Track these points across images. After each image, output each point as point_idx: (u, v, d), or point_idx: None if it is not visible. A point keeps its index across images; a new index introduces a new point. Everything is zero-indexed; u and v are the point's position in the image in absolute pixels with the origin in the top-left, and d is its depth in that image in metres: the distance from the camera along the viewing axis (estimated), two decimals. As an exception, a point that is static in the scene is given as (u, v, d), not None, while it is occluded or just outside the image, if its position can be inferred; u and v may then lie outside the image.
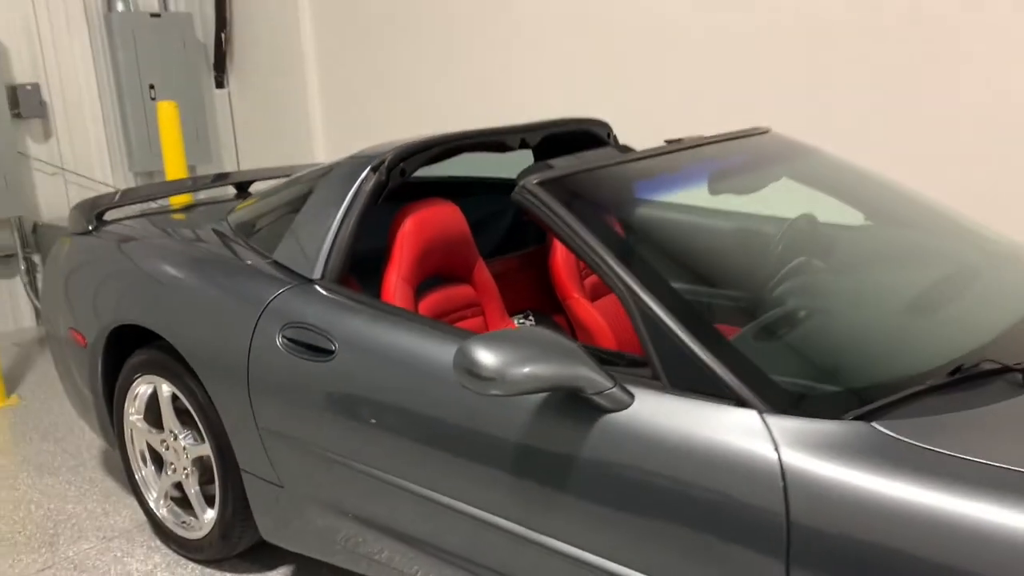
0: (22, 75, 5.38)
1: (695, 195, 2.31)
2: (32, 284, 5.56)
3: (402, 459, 2.02)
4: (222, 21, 6.13)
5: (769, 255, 2.31)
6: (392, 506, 2.09)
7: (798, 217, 2.48)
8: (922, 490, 1.37)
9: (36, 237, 5.54)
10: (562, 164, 2.11)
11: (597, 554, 1.71)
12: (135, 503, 3.15)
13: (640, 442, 1.64)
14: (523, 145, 2.84)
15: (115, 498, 3.23)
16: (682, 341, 1.67)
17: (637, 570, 1.66)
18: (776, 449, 1.51)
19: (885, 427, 1.49)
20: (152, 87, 5.81)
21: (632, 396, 1.69)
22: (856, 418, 1.52)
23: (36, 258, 5.57)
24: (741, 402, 1.59)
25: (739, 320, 1.85)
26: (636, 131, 3.67)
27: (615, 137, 3.22)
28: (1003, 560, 1.27)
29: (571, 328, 2.95)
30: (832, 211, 2.53)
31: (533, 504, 1.79)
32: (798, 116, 3.66)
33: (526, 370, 1.61)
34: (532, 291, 3.11)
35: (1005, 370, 1.65)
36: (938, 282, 2.12)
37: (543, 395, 1.78)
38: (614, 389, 1.68)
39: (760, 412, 1.56)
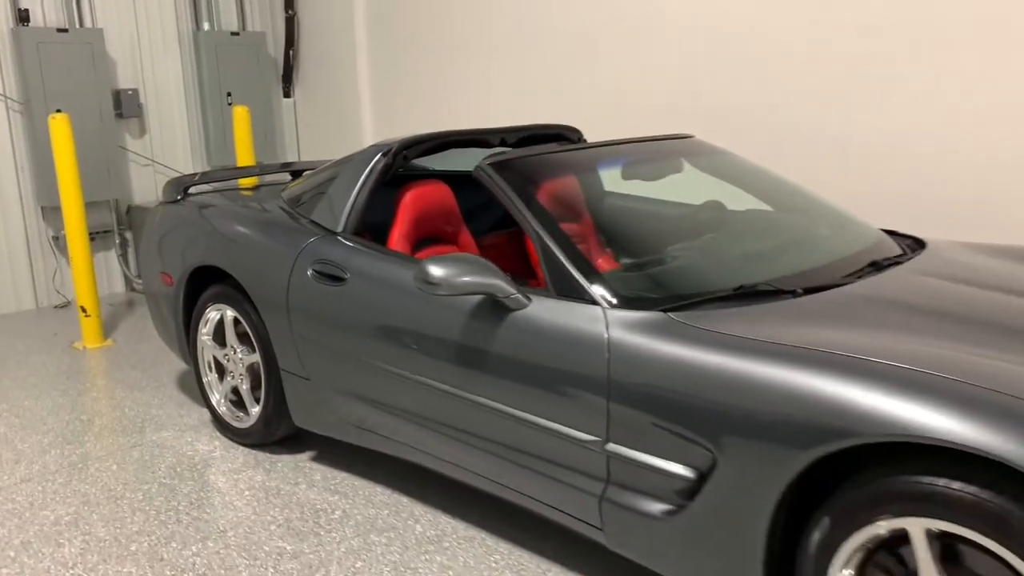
0: (124, 82, 6.48)
1: (609, 177, 3.18)
2: (124, 256, 6.63)
3: (390, 350, 2.91)
4: (290, 40, 7.18)
5: (663, 224, 3.16)
6: (383, 385, 2.99)
7: (705, 202, 3.33)
8: (692, 351, 2.19)
9: (129, 217, 6.61)
10: (512, 153, 3.00)
11: (508, 405, 2.57)
12: (202, 410, 4.11)
13: (534, 328, 2.50)
14: (503, 143, 3.72)
15: (188, 406, 4.19)
16: (563, 264, 2.54)
17: (529, 412, 2.51)
18: (607, 330, 2.36)
19: (676, 316, 2.33)
20: (230, 95, 6.87)
21: (530, 300, 2.56)
22: (660, 312, 2.36)
23: (128, 235, 6.65)
24: (594, 303, 2.44)
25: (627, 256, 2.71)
26: (606, 135, 4.53)
27: (584, 140, 4.08)
28: (745, 396, 2.07)
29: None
30: (727, 196, 3.36)
31: (469, 375, 2.67)
32: (728, 125, 4.49)
33: (460, 279, 2.50)
34: (513, 260, 3.98)
35: (779, 292, 2.47)
36: (780, 243, 2.94)
37: (475, 300, 2.65)
38: (517, 294, 2.55)
39: (603, 309, 2.42)
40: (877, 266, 2.71)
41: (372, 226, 3.56)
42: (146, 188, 6.70)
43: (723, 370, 2.10)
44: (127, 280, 6.70)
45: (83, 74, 6.06)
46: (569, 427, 2.41)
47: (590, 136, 4.90)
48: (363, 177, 3.34)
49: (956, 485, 1.74)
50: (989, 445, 1.67)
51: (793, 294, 2.47)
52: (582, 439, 2.38)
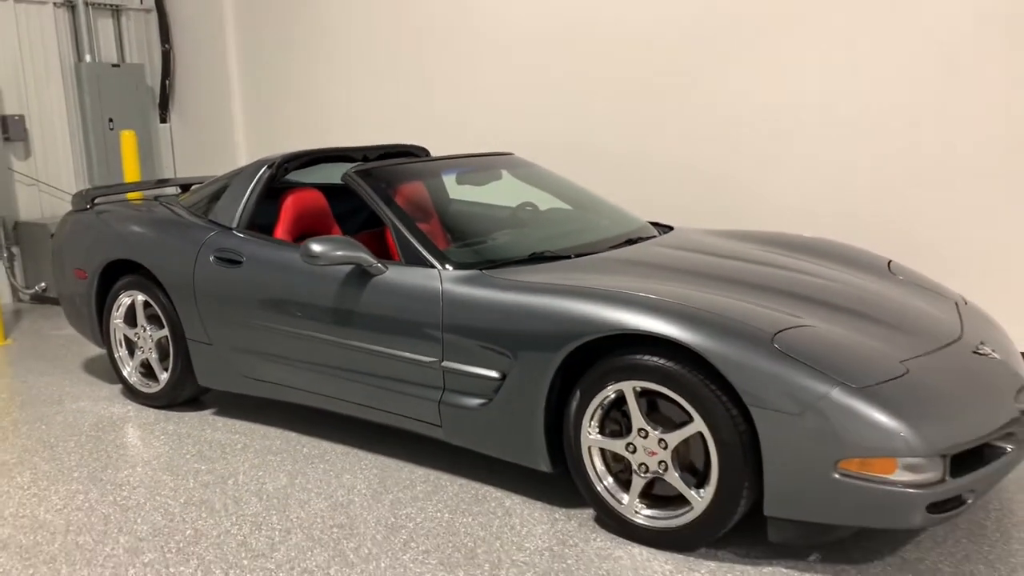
0: (11, 108, 7.04)
1: (447, 182, 4.23)
2: (11, 269, 7.15)
3: (278, 314, 3.82)
4: (167, 71, 7.90)
5: (488, 218, 4.23)
6: (273, 341, 3.89)
7: (520, 203, 4.41)
8: (496, 293, 3.22)
9: (16, 233, 7.15)
10: (372, 164, 3.99)
11: (372, 344, 3.53)
12: (112, 385, 4.83)
13: (390, 288, 3.49)
14: (364, 158, 4.70)
15: (97, 384, 4.91)
16: (410, 241, 3.54)
17: (387, 347, 3.48)
18: (441, 284, 3.37)
19: (488, 272, 3.37)
20: (111, 120, 7.53)
21: (387, 268, 3.54)
22: (477, 270, 3.39)
23: (15, 249, 7.17)
24: (432, 267, 3.45)
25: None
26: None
27: (429, 155, 5.10)
28: (527, 317, 3.11)
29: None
30: (537, 198, 4.45)
31: (343, 325, 3.61)
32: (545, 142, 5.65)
33: (335, 252, 3.46)
34: (376, 251, 4.93)
35: (559, 257, 3.55)
36: (571, 230, 4.04)
37: (345, 270, 3.61)
38: (377, 264, 3.52)
39: (439, 271, 3.43)
40: (631, 241, 3.86)
41: (260, 226, 4.44)
42: (31, 206, 7.26)
43: (514, 302, 3.16)
44: (14, 290, 7.21)
45: (-27, 101, 6.61)
46: (416, 353, 3.41)
47: (434, 151, 5.93)
48: (252, 184, 4.24)
49: (650, 358, 2.84)
50: (668, 332, 2.77)
51: (568, 258, 3.57)
52: (426, 361, 3.38)
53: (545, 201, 4.48)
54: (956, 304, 3.51)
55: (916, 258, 4.31)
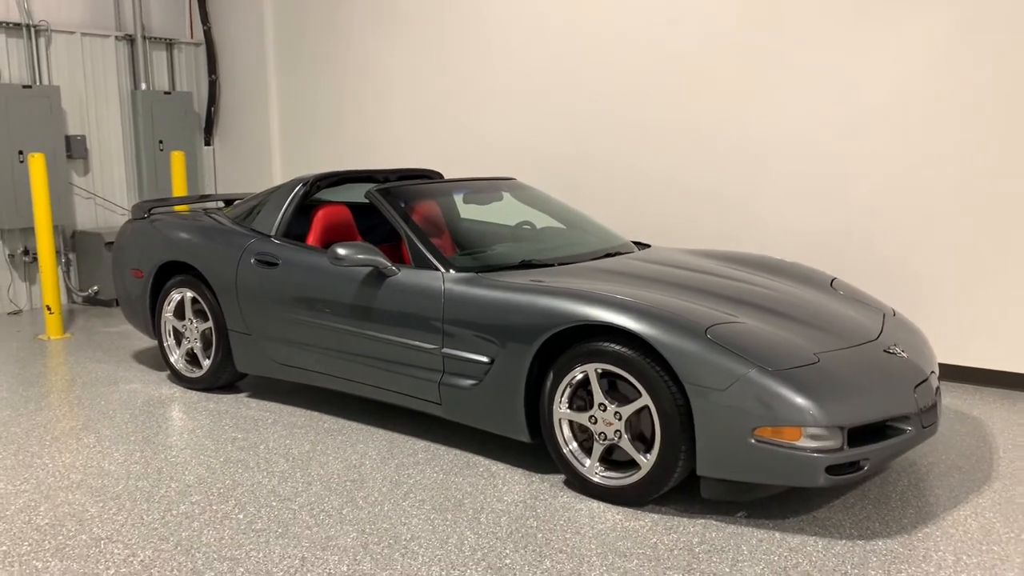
0: (74, 129, 7.85)
1: (456, 201, 4.92)
2: (68, 274, 7.91)
3: (307, 308, 4.50)
4: (212, 99, 8.71)
5: (496, 234, 4.90)
6: (302, 331, 4.56)
7: (519, 221, 5.08)
8: (488, 291, 3.88)
9: (74, 241, 7.92)
10: (392, 183, 4.68)
11: (384, 333, 4.19)
12: (160, 372, 5.53)
13: (401, 286, 4.16)
14: (386, 180, 5.39)
15: (146, 371, 5.61)
16: (419, 247, 4.22)
17: (397, 336, 4.14)
18: (444, 284, 4.04)
19: (483, 275, 4.02)
20: (161, 142, 8.32)
21: (399, 270, 4.21)
22: (474, 273, 4.05)
23: (72, 256, 7.94)
24: (436, 269, 4.12)
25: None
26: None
27: (442, 177, 5.78)
28: (513, 311, 3.76)
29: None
30: (535, 218, 5.12)
31: (361, 318, 4.28)
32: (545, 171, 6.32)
33: (357, 256, 4.14)
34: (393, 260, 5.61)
35: (545, 264, 4.20)
36: (561, 244, 4.70)
37: (364, 271, 4.28)
38: (391, 267, 4.20)
39: (442, 273, 4.09)
40: (610, 255, 4.51)
41: (294, 236, 5.14)
42: (87, 217, 8.04)
43: (503, 299, 3.82)
44: (69, 292, 7.97)
45: (42, 122, 7.42)
46: (421, 342, 4.06)
47: (448, 173, 6.63)
48: (288, 199, 4.95)
49: (609, 345, 3.47)
50: (623, 323, 3.41)
51: (552, 266, 4.22)
52: (429, 348, 4.04)
53: (542, 220, 5.15)
54: (884, 315, 4.12)
55: (895, 282, 4.94)
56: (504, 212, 5.11)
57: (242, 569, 3.05)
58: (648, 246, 4.94)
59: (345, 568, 3.05)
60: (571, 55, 6.45)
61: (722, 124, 5.84)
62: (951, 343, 5.15)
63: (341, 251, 4.16)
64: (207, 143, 8.88)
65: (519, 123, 6.76)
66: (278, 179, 8.27)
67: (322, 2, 7.87)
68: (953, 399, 4.91)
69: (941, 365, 5.11)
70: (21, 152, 7.29)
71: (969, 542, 3.22)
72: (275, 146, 8.34)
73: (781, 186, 5.66)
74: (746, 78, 5.71)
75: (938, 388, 3.72)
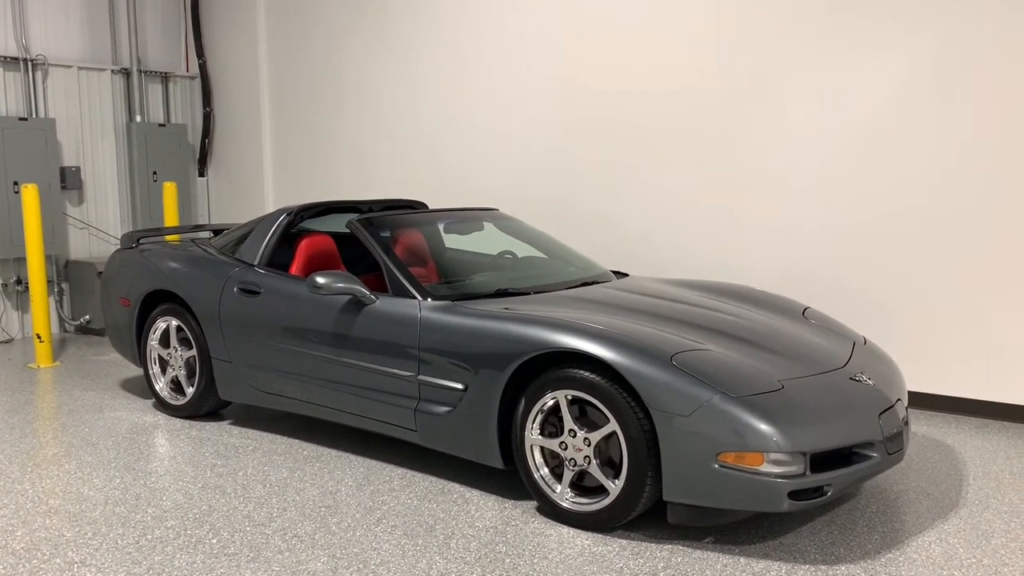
0: (69, 160, 7.97)
1: (439, 230, 5.01)
2: (60, 303, 7.99)
3: (287, 336, 4.57)
4: (206, 131, 8.84)
5: (476, 263, 4.98)
6: (282, 359, 4.62)
7: (500, 251, 5.16)
8: (463, 319, 3.95)
9: (67, 270, 8.01)
10: (371, 215, 4.77)
11: (362, 361, 4.26)
12: (145, 400, 5.58)
13: (379, 315, 4.23)
14: (369, 210, 5.48)
15: (132, 399, 5.67)
16: (397, 276, 4.29)
17: (374, 364, 4.20)
18: (420, 312, 4.11)
19: (459, 303, 4.09)
20: (155, 173, 8.43)
21: (377, 298, 4.28)
22: (450, 301, 4.12)
23: (65, 285, 8.03)
24: (413, 298, 4.19)
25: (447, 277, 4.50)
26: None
27: (426, 207, 5.88)
28: (486, 339, 3.83)
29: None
30: (517, 247, 5.20)
31: (340, 346, 4.35)
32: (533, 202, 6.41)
33: (335, 284, 4.21)
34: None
35: (520, 293, 4.28)
36: (541, 273, 4.77)
37: (344, 299, 4.35)
38: (369, 295, 4.27)
39: (419, 302, 4.17)
40: (587, 284, 4.58)
41: (278, 265, 5.22)
42: (80, 247, 8.13)
43: (476, 326, 3.88)
44: (61, 321, 8.05)
45: (37, 153, 7.54)
46: (398, 369, 4.13)
47: (431, 203, 6.73)
48: (272, 228, 5.03)
49: (578, 371, 3.53)
50: (591, 350, 3.47)
51: (528, 294, 4.30)
52: (405, 375, 4.10)
53: (524, 250, 5.23)
54: (855, 343, 4.18)
55: (864, 314, 5.01)
56: (486, 242, 5.20)
57: (211, 592, 3.09)
58: (627, 275, 5.01)
59: (313, 592, 3.09)
60: (558, 104, 6.58)
61: (702, 159, 5.95)
62: (926, 371, 5.21)
63: (320, 280, 4.24)
64: (201, 174, 9.00)
65: (514, 162, 6.87)
66: (271, 210, 8.37)
67: (316, 38, 8.03)
68: (928, 427, 4.96)
69: (918, 393, 5.17)
70: (16, 183, 7.40)
71: (931, 567, 3.26)
72: (268, 177, 8.46)
73: (758, 216, 5.76)
74: (724, 118, 5.82)
75: (906, 416, 3.77)
